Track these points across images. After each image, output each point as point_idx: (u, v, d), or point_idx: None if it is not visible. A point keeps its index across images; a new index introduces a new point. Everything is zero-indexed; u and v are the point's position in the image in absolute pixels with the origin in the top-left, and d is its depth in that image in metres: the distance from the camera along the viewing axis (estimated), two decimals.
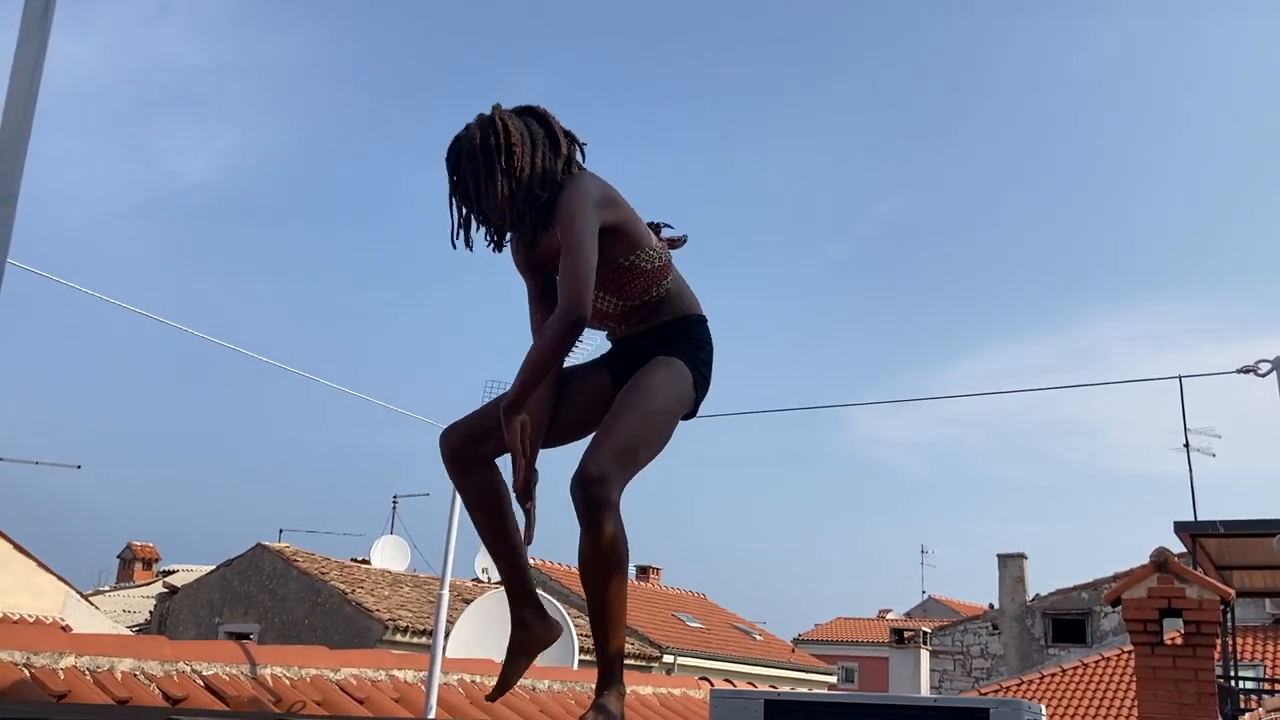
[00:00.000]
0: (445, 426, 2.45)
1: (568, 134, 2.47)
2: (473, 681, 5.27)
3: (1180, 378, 6.01)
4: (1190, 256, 50.04)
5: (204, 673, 4.12)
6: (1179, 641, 7.87)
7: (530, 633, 2.45)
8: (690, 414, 2.54)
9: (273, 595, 16.72)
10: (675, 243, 2.64)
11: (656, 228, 2.60)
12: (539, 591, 2.63)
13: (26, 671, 3.42)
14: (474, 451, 2.40)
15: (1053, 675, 17.07)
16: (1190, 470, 12.67)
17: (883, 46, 50.54)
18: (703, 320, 2.61)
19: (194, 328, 4.29)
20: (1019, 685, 16.45)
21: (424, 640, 14.27)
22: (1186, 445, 13.33)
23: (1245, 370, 4.06)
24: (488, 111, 2.41)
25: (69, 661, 3.62)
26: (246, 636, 15.23)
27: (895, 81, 50.14)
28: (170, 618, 18.05)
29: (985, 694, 15.68)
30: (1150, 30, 50.52)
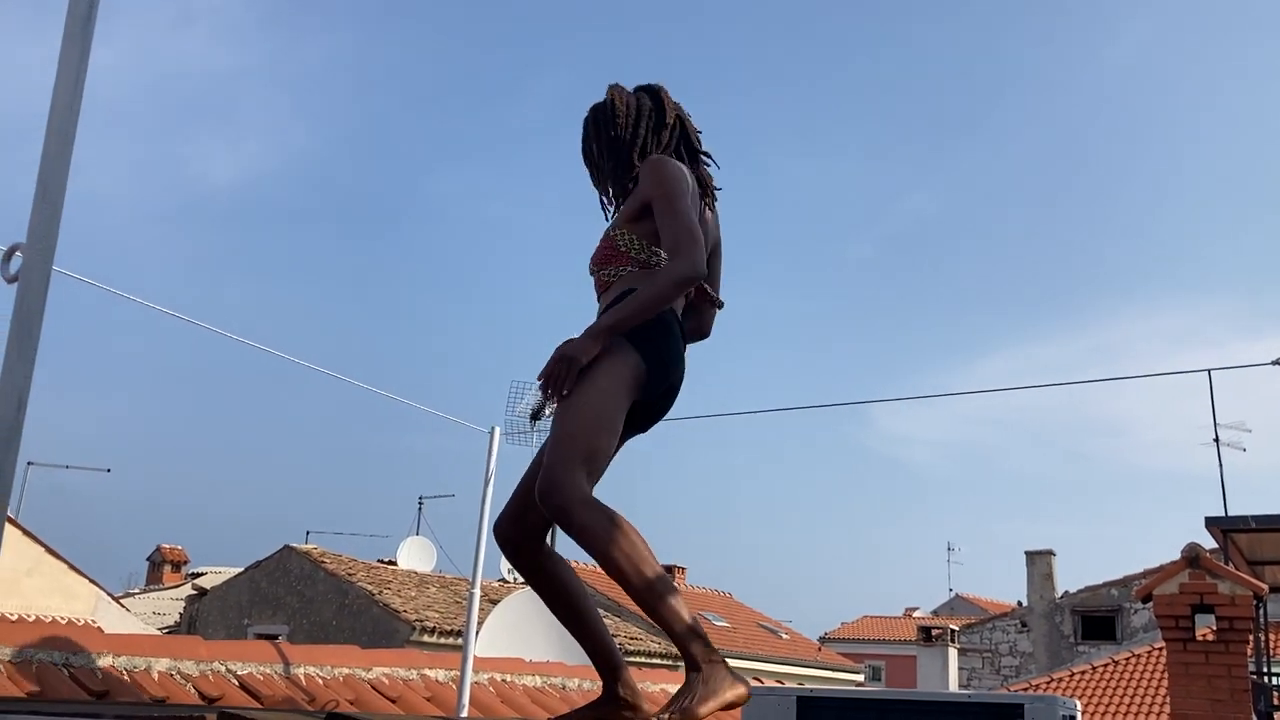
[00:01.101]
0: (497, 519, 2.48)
1: (679, 116, 2.60)
2: (503, 680, 5.28)
3: (1209, 371, 5.96)
4: (1218, 250, 49.54)
5: (239, 672, 4.16)
6: (1211, 637, 7.80)
7: (618, 708, 2.40)
8: (648, 396, 2.40)
9: (300, 596, 16.82)
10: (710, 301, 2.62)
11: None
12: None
13: (66, 671, 3.46)
14: (525, 532, 2.42)
15: (1083, 673, 16.96)
16: (1220, 465, 12.56)
17: (907, 43, 50.35)
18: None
19: (220, 330, 4.32)
20: (1049, 683, 16.34)
21: (451, 640, 14.32)
22: (1216, 440, 13.21)
23: (1278, 362, 4.01)
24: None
25: (107, 661, 3.66)
26: (275, 638, 15.33)
27: (919, 79, 49.93)
28: (199, 619, 18.19)
29: (1016, 691, 15.59)
30: (1178, 23, 50.08)
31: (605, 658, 2.43)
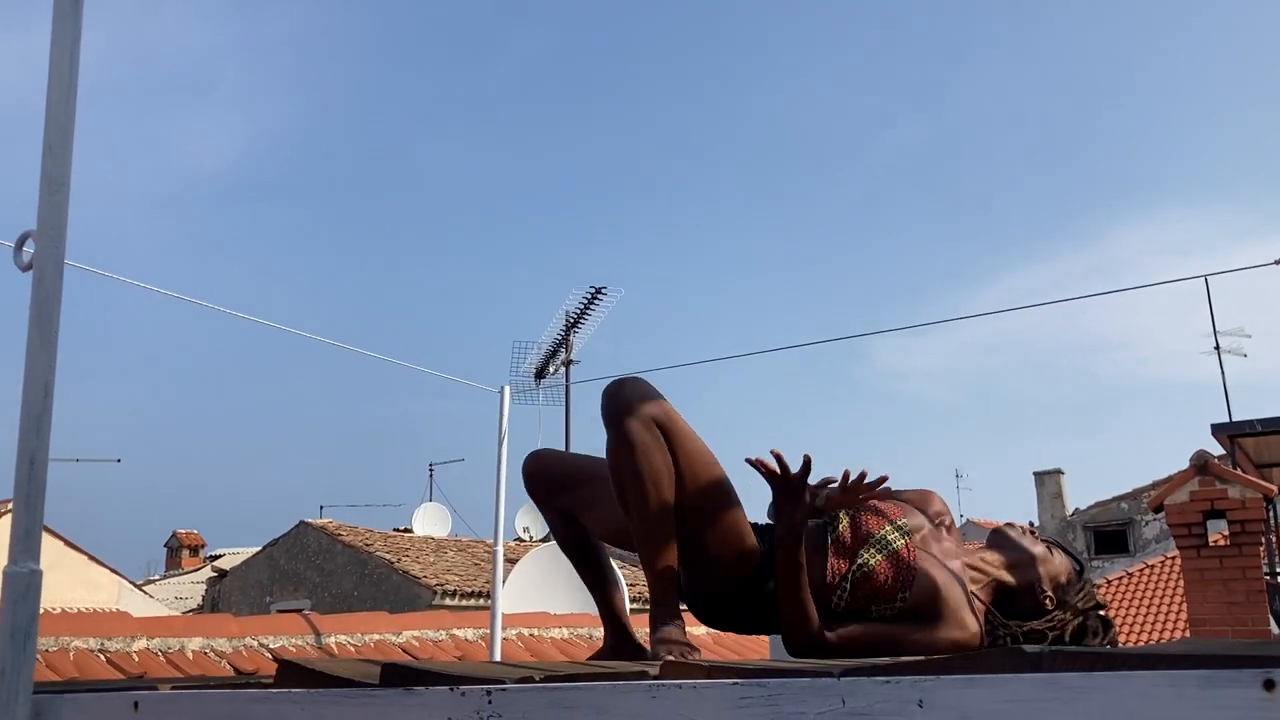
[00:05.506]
0: (533, 453, 2.45)
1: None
2: (531, 634, 5.35)
3: (1206, 277, 5.93)
4: (1216, 155, 49.19)
5: (271, 646, 4.21)
6: (1224, 542, 7.89)
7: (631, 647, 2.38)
8: None
9: (320, 570, 16.97)
10: None
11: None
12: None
13: (103, 656, 3.51)
14: (550, 492, 2.41)
15: (1098, 587, 17.14)
16: (1222, 371, 12.62)
17: None
18: None
19: (221, 307, 4.32)
20: None
21: (473, 602, 14.46)
22: (1217, 348, 13.26)
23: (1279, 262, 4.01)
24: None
25: (141, 644, 3.71)
26: (300, 612, 15.47)
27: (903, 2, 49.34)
28: (222, 600, 18.37)
29: None
30: None
31: (608, 612, 2.44)
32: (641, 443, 2.09)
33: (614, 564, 2.59)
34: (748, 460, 2.07)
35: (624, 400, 2.12)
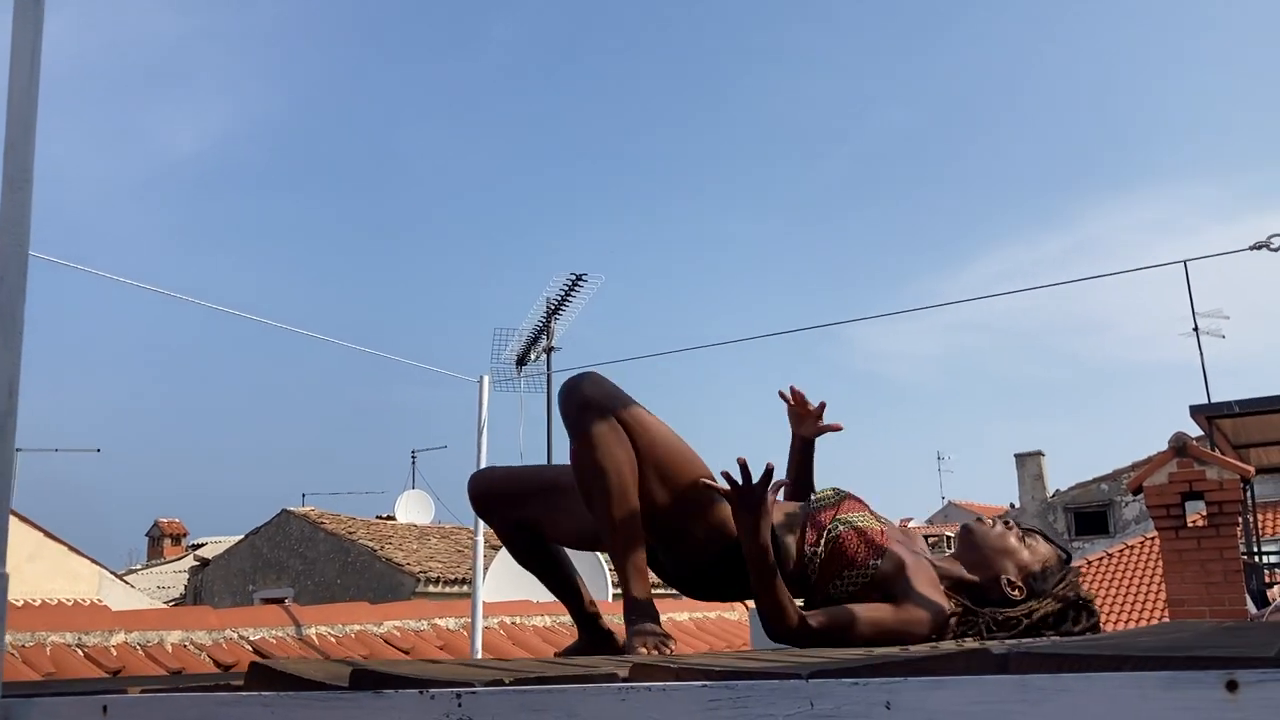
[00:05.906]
0: (476, 473, 2.47)
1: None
2: (513, 623, 5.35)
3: (1185, 262, 5.96)
4: (1194, 136, 49.40)
5: (251, 638, 4.20)
6: (1202, 523, 7.95)
7: (604, 639, 2.40)
8: None
9: (303, 559, 16.93)
10: None
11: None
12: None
13: (80, 651, 3.49)
14: (501, 508, 2.40)
15: (1078, 567, 17.28)
16: (1201, 353, 12.70)
17: None
18: None
19: (200, 301, 4.29)
20: None
21: (456, 589, 14.46)
22: (1195, 330, 13.34)
23: (1258, 246, 4.01)
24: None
25: (119, 638, 3.69)
26: (281, 601, 15.43)
27: None
28: (205, 589, 18.32)
29: None
30: None
31: (576, 609, 2.44)
32: (600, 437, 2.11)
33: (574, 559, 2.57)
34: (702, 482, 2.12)
35: (580, 397, 2.14)
